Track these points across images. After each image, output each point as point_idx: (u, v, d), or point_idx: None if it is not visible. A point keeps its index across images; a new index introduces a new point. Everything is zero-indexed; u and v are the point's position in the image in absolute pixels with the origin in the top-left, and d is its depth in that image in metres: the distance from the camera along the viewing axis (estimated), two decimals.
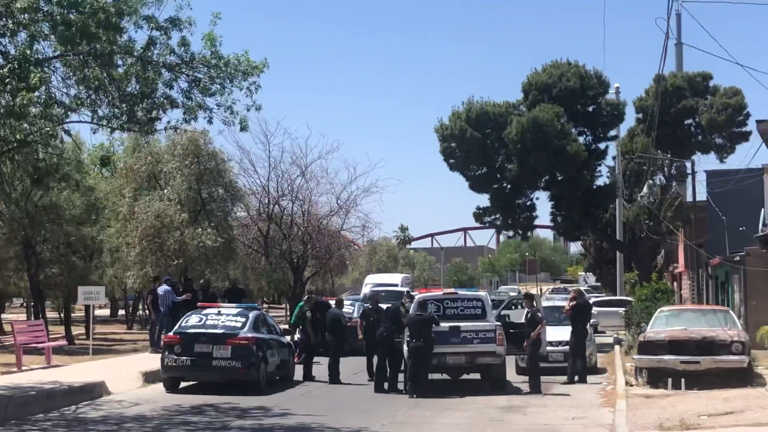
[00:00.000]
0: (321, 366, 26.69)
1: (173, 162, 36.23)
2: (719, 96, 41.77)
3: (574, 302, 25.04)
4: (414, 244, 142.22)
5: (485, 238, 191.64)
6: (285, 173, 45.46)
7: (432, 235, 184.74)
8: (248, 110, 19.34)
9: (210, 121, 19.12)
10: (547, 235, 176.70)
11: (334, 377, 24.33)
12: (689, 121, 42.92)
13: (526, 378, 23.06)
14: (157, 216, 34.21)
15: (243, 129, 19.55)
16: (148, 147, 37.87)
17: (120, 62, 18.34)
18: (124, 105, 18.18)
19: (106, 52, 17.46)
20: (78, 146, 28.17)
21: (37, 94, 16.31)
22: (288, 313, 48.76)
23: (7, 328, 41.82)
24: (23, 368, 24.53)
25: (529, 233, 46.69)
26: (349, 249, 54.05)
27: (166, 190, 35.75)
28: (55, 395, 19.29)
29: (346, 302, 30.87)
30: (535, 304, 23.88)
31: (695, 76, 42.84)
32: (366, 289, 46.72)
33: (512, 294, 60.54)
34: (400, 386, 22.58)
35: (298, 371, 25.78)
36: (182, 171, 35.88)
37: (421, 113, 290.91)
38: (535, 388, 22.12)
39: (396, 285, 48.39)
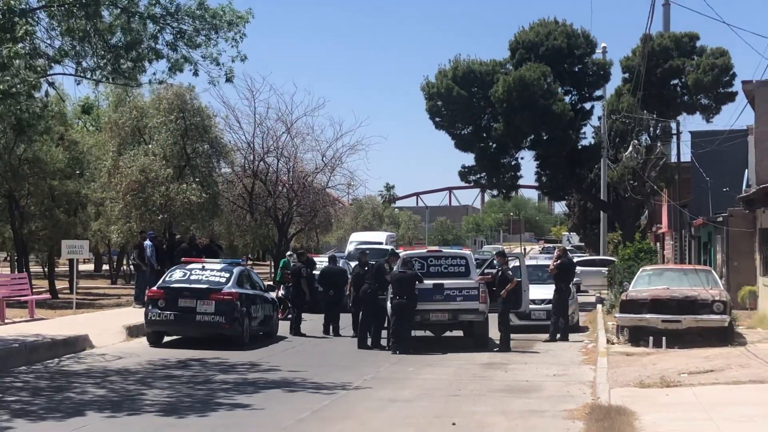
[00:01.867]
0: (308, 323, 26.77)
1: (158, 117, 36.01)
2: (706, 56, 41.71)
3: (559, 261, 25.14)
4: (399, 203, 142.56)
5: (470, 197, 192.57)
6: (270, 130, 45.41)
7: (417, 194, 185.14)
8: (233, 61, 19.24)
9: (195, 74, 19.01)
10: (531, 195, 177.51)
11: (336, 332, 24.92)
12: (675, 81, 42.86)
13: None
14: (142, 171, 34.05)
15: (228, 80, 19.41)
16: (133, 101, 37.63)
17: (106, 13, 18.14)
18: (108, 56, 18.00)
19: (92, 3, 17.25)
20: (62, 98, 27.90)
21: (21, 45, 16.12)
22: (272, 270, 48.77)
23: None
24: (6, 321, 24.48)
25: (513, 193, 46.78)
26: (334, 206, 54.00)
27: (150, 145, 35.55)
28: (38, 348, 19.27)
29: None
30: (512, 263, 23.78)
31: (682, 36, 42.74)
32: (351, 247, 46.72)
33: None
34: (383, 343, 22.63)
35: (282, 327, 25.83)
36: (167, 126, 35.67)
37: (407, 71, 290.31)
38: (505, 347, 22.12)
39: (381, 243, 48.42)
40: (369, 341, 22.75)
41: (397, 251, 27.54)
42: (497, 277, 22.95)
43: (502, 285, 22.72)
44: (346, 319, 25.69)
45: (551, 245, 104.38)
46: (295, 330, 25.32)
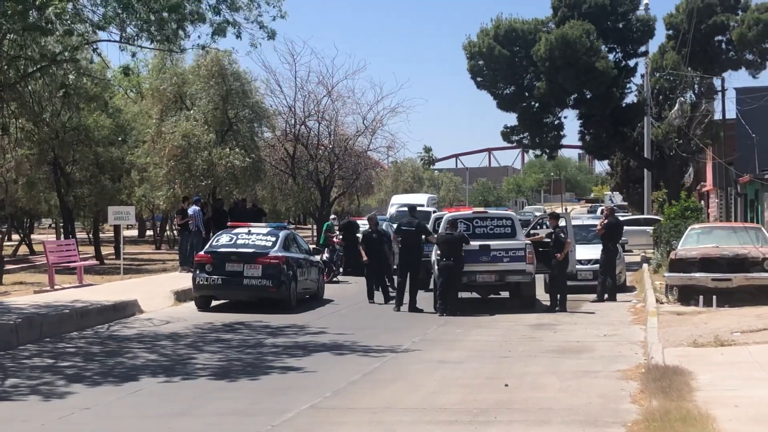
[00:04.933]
0: (350, 285, 26.79)
1: (198, 83, 36.07)
2: (750, 12, 41.02)
3: (606, 221, 24.90)
4: (438, 165, 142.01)
5: (509, 158, 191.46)
6: (311, 93, 45.43)
7: (456, 156, 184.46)
8: (274, 19, 19.18)
9: (239, 36, 18.92)
10: (572, 154, 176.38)
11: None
12: (720, 37, 42.19)
13: (549, 297, 23.04)
14: (185, 136, 34.15)
15: (271, 38, 19.31)
16: (173, 68, 37.68)
17: None
18: (152, 21, 17.93)
19: None
20: (106, 64, 27.96)
21: (68, 6, 16.06)
22: (315, 233, 48.89)
23: (37, 248, 42.12)
24: (56, 287, 24.71)
25: (556, 152, 46.27)
26: (375, 170, 53.97)
27: (192, 111, 35.65)
28: (88, 313, 19.42)
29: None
30: (561, 223, 23.60)
31: None
32: (392, 210, 46.69)
33: (537, 214, 60.46)
34: (419, 306, 22.55)
35: (328, 290, 25.87)
36: (208, 92, 35.76)
37: (449, 32, 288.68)
38: (563, 307, 22.11)
39: (422, 205, 48.31)
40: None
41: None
42: (553, 239, 22.80)
43: (558, 248, 22.56)
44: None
45: (595, 205, 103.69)
46: (369, 294, 24.45)
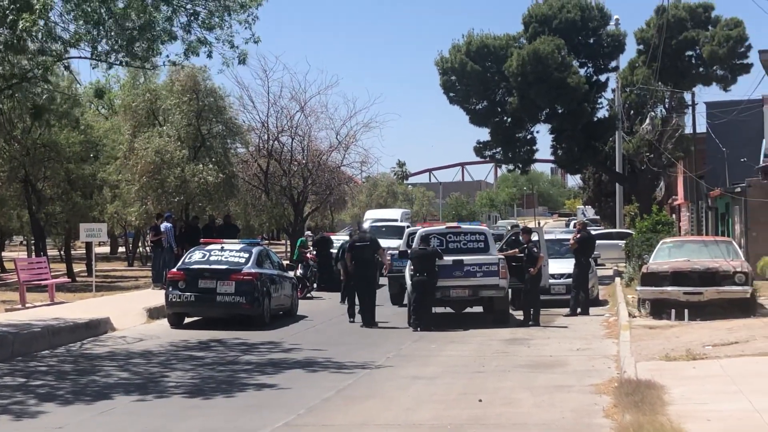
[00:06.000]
0: (324, 301, 26.77)
1: (171, 98, 35.98)
2: (720, 27, 41.44)
3: (579, 235, 25.03)
4: (412, 180, 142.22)
5: (483, 173, 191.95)
6: (284, 109, 45.45)
7: (430, 171, 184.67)
8: (246, 43, 19.25)
9: (210, 56, 18.96)
10: (544, 168, 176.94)
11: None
12: (690, 53, 42.64)
13: (521, 312, 23.09)
14: (157, 152, 34.03)
15: (242, 62, 19.36)
16: (146, 84, 37.61)
17: None
18: (123, 39, 17.92)
19: None
20: (77, 81, 27.88)
21: (37, 26, 16.00)
22: (288, 249, 48.82)
23: (8, 266, 41.83)
24: (27, 305, 24.53)
25: (529, 167, 46.48)
26: (348, 185, 53.99)
27: (165, 127, 35.54)
28: (60, 332, 19.30)
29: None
30: (534, 237, 23.70)
31: (697, 6, 42.48)
32: (366, 225, 46.68)
33: (510, 228, 60.56)
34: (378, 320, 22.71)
35: (302, 306, 25.84)
36: (181, 107, 35.65)
37: (421, 48, 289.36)
38: (536, 321, 22.19)
39: (396, 220, 48.47)
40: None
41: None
42: (525, 254, 22.88)
43: (531, 263, 22.65)
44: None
45: (571, 219, 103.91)
46: (350, 313, 23.64)
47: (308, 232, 36.84)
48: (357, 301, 23.11)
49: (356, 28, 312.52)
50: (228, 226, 34.01)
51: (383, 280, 27.32)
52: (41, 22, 16.24)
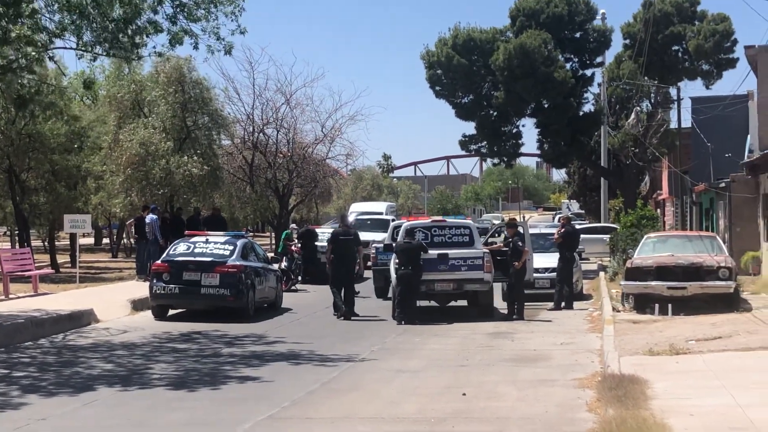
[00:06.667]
0: (308, 294, 26.76)
1: (157, 90, 35.83)
2: (707, 22, 41.61)
3: (563, 229, 25.08)
4: (397, 173, 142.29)
5: (468, 166, 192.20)
6: (270, 101, 45.24)
7: (415, 164, 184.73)
8: (233, 34, 19.16)
9: (196, 47, 18.94)
10: (530, 162, 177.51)
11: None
12: (676, 47, 42.80)
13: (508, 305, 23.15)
14: (142, 144, 33.91)
15: (227, 53, 19.32)
16: (131, 75, 37.44)
17: None
18: (108, 30, 17.85)
19: None
20: (62, 72, 27.73)
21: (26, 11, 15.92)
22: (273, 242, 48.76)
23: None
24: (10, 296, 24.45)
25: (514, 161, 46.57)
26: (334, 177, 53.89)
27: (150, 119, 35.42)
28: (43, 323, 19.25)
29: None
30: (520, 231, 23.65)
31: (683, 1, 42.56)
32: (351, 218, 46.67)
33: (496, 222, 60.73)
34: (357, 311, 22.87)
35: (287, 298, 25.83)
36: (166, 99, 35.50)
37: (407, 41, 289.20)
38: (520, 315, 22.23)
39: (381, 213, 48.50)
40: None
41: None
42: (510, 248, 22.89)
43: (516, 257, 22.66)
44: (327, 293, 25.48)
45: (558, 212, 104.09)
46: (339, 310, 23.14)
47: (293, 225, 36.77)
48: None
49: (342, 20, 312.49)
50: (215, 218, 33.94)
51: (367, 273, 27.37)
52: (29, 9, 16.16)
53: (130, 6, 18.01)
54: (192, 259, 22.42)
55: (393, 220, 36.12)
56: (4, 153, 33.61)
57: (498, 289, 24.23)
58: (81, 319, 20.74)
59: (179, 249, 23.14)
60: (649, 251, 24.01)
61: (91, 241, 65.38)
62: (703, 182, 37.49)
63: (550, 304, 24.38)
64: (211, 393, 13.15)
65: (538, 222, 74.73)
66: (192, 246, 23.06)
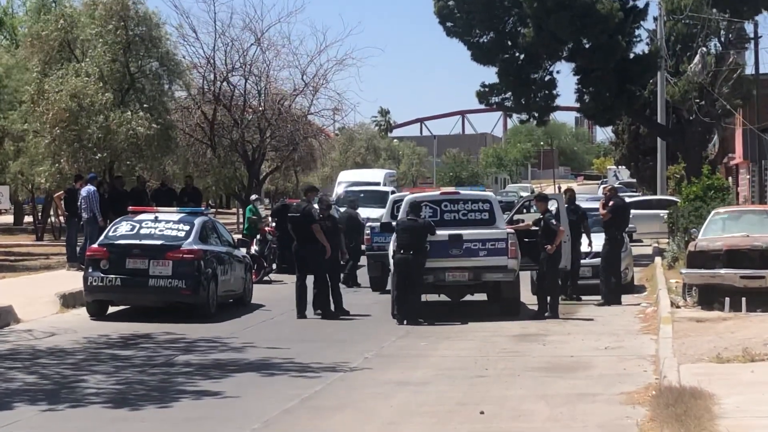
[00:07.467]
0: (285, 285, 26.79)
1: (93, 27, 35.81)
2: None
3: (612, 203, 24.83)
4: (398, 132, 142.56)
5: (488, 124, 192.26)
6: (235, 41, 45.26)
7: (421, 121, 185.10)
8: None
9: None
10: (567, 119, 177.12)
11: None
12: None
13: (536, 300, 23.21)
14: (74, 96, 33.88)
15: None
16: (60, 8, 37.40)
17: None
18: None
19: None
20: None
21: None
22: (240, 220, 48.81)
23: None
24: None
25: (547, 116, 46.46)
26: (318, 138, 53.95)
27: (83, 63, 35.38)
28: None
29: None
30: (551, 207, 23.59)
31: None
32: (339, 189, 46.80)
33: (524, 194, 60.74)
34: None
35: (257, 291, 25.85)
36: (104, 38, 35.49)
37: None
38: (554, 312, 22.23)
39: (378, 183, 48.56)
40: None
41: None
42: (541, 228, 22.81)
43: (548, 237, 22.58)
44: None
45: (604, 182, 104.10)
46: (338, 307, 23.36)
47: (254, 196, 36.48)
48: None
49: None
50: (165, 189, 33.99)
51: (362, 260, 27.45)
52: None
53: None
54: (137, 242, 22.42)
55: (393, 192, 36.16)
56: None
57: (526, 279, 24.22)
58: None
59: (121, 230, 23.14)
60: (717, 231, 23.98)
61: (9, 219, 65.44)
62: None
63: (596, 298, 24.37)
64: (161, 412, 13.20)
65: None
66: (137, 226, 23.04)
